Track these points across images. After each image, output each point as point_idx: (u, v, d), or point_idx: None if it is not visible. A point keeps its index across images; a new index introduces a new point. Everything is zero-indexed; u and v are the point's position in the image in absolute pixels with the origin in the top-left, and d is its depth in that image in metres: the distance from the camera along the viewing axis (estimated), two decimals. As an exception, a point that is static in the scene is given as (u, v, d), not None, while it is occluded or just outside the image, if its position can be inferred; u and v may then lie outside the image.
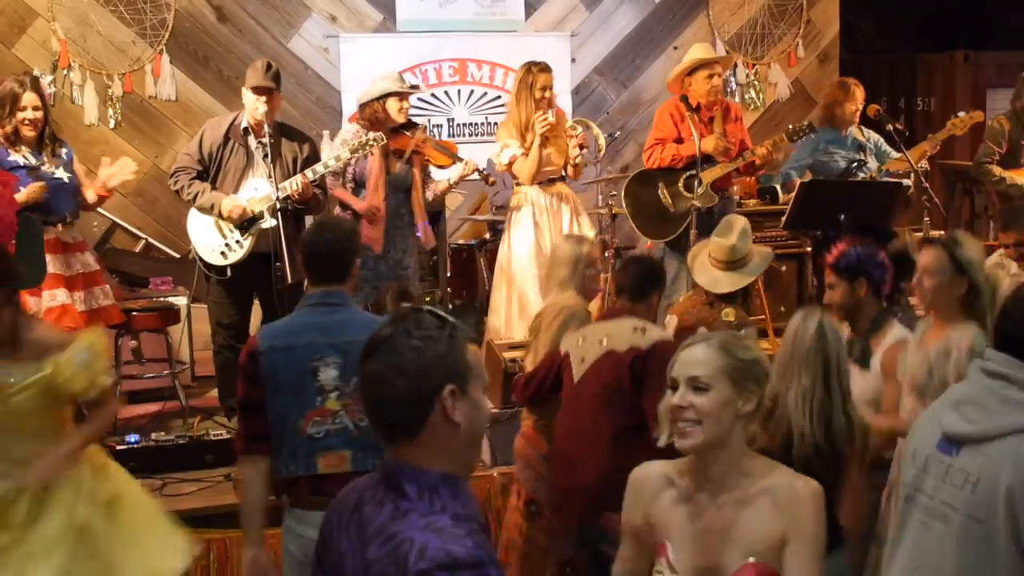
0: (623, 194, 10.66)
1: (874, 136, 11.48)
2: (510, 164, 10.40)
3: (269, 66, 9.50)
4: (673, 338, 7.11)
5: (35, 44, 12.07)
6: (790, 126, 10.90)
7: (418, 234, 10.14)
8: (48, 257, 8.58)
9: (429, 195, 10.23)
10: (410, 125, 10.08)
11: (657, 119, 10.74)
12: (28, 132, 8.76)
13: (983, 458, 4.26)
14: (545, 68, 10.42)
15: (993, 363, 4.39)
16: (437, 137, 12.44)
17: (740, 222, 8.14)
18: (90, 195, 9.16)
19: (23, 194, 8.40)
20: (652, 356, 6.52)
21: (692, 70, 10.56)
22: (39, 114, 8.82)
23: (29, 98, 8.76)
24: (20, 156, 8.71)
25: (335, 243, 5.98)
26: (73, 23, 12.17)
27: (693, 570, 4.23)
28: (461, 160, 10.16)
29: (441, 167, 10.27)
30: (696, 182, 10.36)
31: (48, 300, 8.56)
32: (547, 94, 10.28)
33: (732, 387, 4.23)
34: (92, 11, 12.20)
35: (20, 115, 8.70)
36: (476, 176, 10.35)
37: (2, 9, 11.83)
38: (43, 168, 8.79)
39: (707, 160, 10.42)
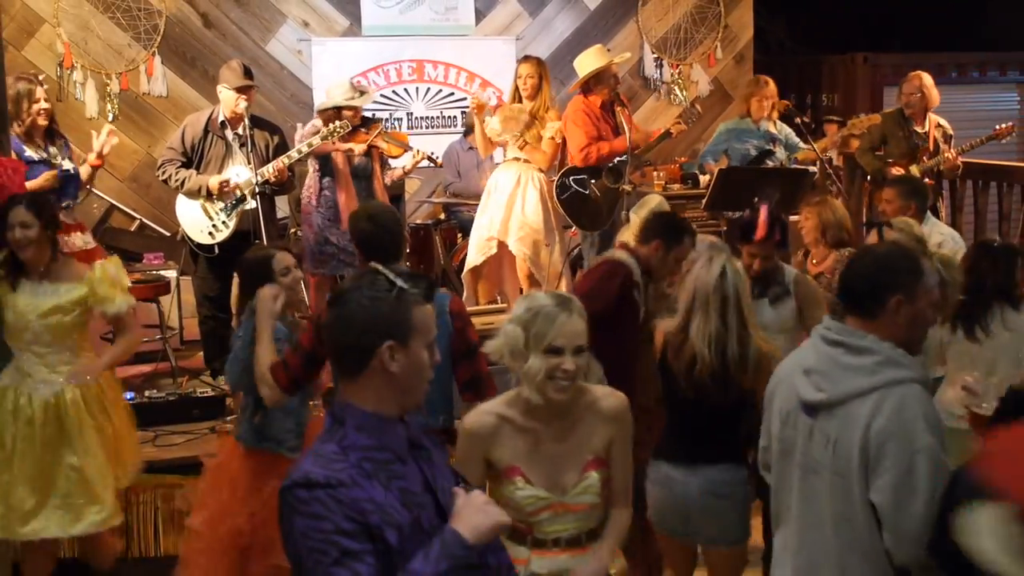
0: (555, 193, 10.56)
1: (786, 129, 11.47)
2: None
3: (245, 67, 9.56)
4: None
5: (42, 47, 12.09)
6: (684, 108, 11.12)
7: None
8: None
9: (388, 181, 10.32)
10: (366, 122, 10.16)
11: (577, 120, 10.48)
12: (42, 121, 8.77)
13: (837, 421, 4.33)
14: (525, 59, 10.77)
15: (831, 332, 4.47)
16: (393, 130, 12.49)
17: (655, 199, 8.16)
18: (84, 171, 9.15)
19: (36, 182, 8.48)
20: (593, 266, 6.71)
21: (598, 72, 10.55)
22: (48, 106, 8.84)
23: (41, 92, 8.78)
24: (34, 151, 8.72)
25: (396, 228, 6.11)
26: (76, 28, 12.20)
27: (547, 483, 4.68)
28: (411, 149, 10.27)
29: (394, 157, 10.36)
30: (615, 174, 10.39)
31: None
32: (522, 82, 10.50)
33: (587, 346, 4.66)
34: (92, 17, 12.24)
35: (35, 107, 8.71)
36: (426, 162, 10.55)
37: (12, 16, 11.83)
38: (54, 161, 8.81)
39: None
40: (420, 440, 3.65)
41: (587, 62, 10.62)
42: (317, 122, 10.10)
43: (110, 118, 12.29)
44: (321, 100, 12.71)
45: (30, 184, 8.28)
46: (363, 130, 10.09)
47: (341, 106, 9.92)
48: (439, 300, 5.99)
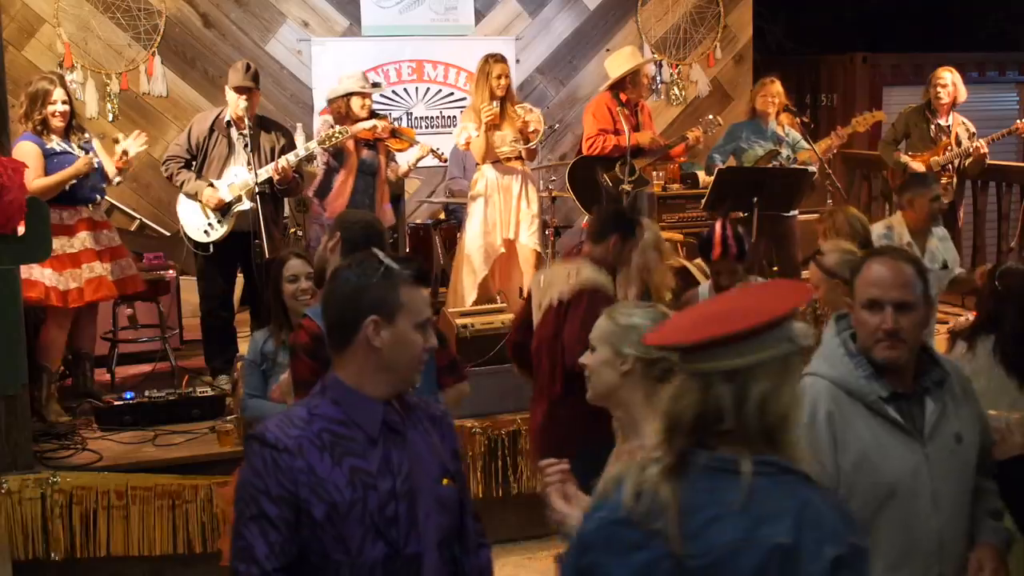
0: (567, 177, 10.77)
1: (794, 133, 11.43)
2: (467, 144, 10.45)
3: (248, 67, 9.56)
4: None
5: (42, 47, 12.09)
6: (700, 119, 11.14)
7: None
8: (84, 234, 8.85)
9: (392, 176, 10.32)
10: (374, 117, 10.13)
11: (595, 112, 10.73)
12: (58, 123, 8.79)
13: None
14: (500, 59, 10.47)
15: None
16: (400, 125, 12.46)
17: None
18: (110, 170, 9.20)
19: (74, 167, 8.67)
20: (573, 302, 6.54)
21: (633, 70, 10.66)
22: (67, 107, 8.87)
23: (59, 93, 8.81)
24: (54, 144, 8.75)
25: (375, 238, 5.91)
26: (76, 28, 12.20)
27: None
28: (417, 143, 10.29)
29: (400, 151, 10.37)
30: (629, 168, 10.44)
31: (88, 272, 8.73)
32: (502, 81, 10.31)
33: (610, 349, 4.32)
34: (93, 18, 12.24)
35: (51, 108, 8.73)
36: (431, 157, 10.63)
37: (13, 16, 11.82)
38: (73, 152, 8.83)
39: (638, 151, 10.52)
40: (398, 425, 3.69)
41: (621, 61, 10.81)
42: (328, 117, 10.10)
43: (110, 118, 12.31)
44: (321, 100, 12.83)
45: (62, 174, 8.60)
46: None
47: (353, 92, 9.90)
48: None
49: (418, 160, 10.50)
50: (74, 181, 8.72)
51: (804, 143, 11.26)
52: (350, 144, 9.85)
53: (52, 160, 8.69)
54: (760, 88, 11.46)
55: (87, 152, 8.93)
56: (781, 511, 2.90)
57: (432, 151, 10.44)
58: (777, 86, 11.41)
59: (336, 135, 9.54)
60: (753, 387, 2.92)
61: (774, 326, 2.95)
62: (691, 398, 2.95)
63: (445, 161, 10.95)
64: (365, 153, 9.98)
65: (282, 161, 9.38)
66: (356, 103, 9.87)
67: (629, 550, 2.97)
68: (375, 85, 10.27)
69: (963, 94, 11.47)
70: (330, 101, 10.10)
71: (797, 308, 3.06)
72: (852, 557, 2.91)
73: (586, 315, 6.21)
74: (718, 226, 7.04)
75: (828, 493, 3.07)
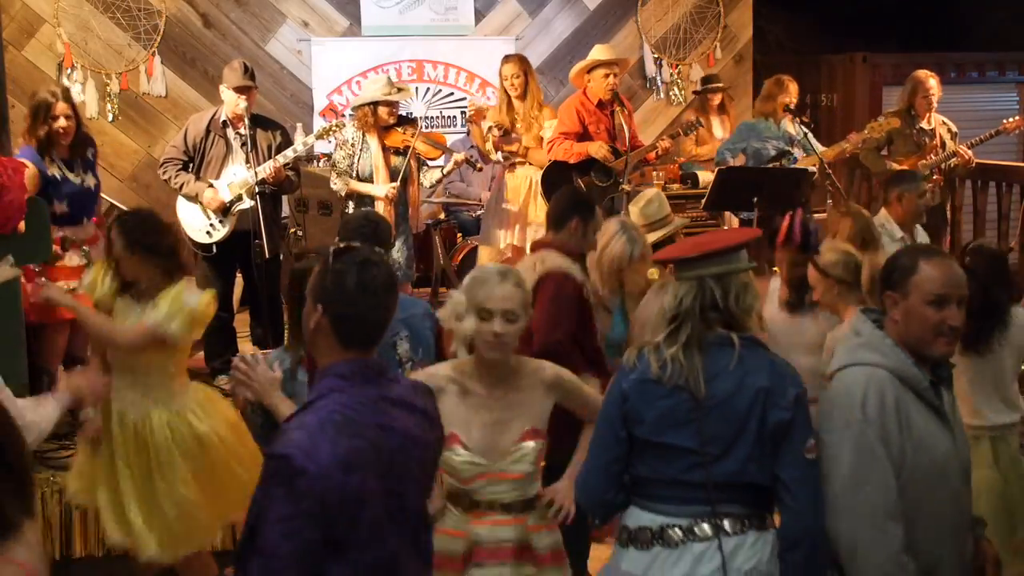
0: (541, 181, 10.61)
1: (804, 131, 11.41)
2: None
3: (246, 67, 9.54)
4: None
5: (42, 47, 12.11)
6: (684, 120, 11.17)
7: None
8: (71, 253, 8.60)
9: (426, 183, 10.26)
10: (404, 121, 10.09)
11: (562, 113, 10.67)
12: (62, 141, 8.47)
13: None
14: (508, 59, 10.77)
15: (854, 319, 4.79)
16: (430, 131, 12.36)
17: (652, 191, 8.26)
18: None
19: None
20: (537, 287, 6.49)
21: (591, 68, 10.60)
22: (71, 123, 8.48)
23: (61, 107, 8.43)
24: (56, 169, 8.43)
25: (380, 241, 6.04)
26: (76, 28, 12.25)
27: (484, 448, 4.97)
28: (451, 152, 10.21)
29: (431, 159, 10.30)
30: (604, 172, 10.46)
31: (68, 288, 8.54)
32: (508, 81, 10.56)
33: (525, 315, 5.01)
34: (93, 18, 12.29)
35: (54, 124, 8.39)
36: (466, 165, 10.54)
37: (13, 16, 11.86)
38: (72, 179, 8.65)
39: (594, 161, 10.50)
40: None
41: (592, 54, 10.73)
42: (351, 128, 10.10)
43: (110, 118, 12.34)
44: (322, 100, 12.90)
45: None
46: (399, 129, 10.00)
47: (378, 101, 9.84)
48: (421, 304, 6.31)
49: (452, 170, 10.42)
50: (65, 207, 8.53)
51: (815, 143, 11.23)
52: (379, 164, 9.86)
53: (49, 189, 8.37)
54: (780, 88, 11.34)
55: (88, 171, 8.81)
56: (760, 367, 4.37)
57: (468, 160, 10.36)
58: (796, 85, 11.41)
59: (332, 128, 9.57)
60: (732, 286, 4.40)
61: (740, 247, 4.47)
62: (694, 295, 4.40)
63: (480, 169, 10.86)
64: (395, 161, 9.91)
65: (280, 159, 9.39)
66: (382, 111, 9.79)
67: (656, 400, 4.39)
68: (400, 90, 10.18)
69: (940, 94, 11.50)
70: (355, 109, 10.05)
71: (751, 238, 4.63)
72: (803, 396, 4.35)
73: (554, 296, 6.39)
74: (788, 215, 7.03)
75: (779, 357, 4.52)
